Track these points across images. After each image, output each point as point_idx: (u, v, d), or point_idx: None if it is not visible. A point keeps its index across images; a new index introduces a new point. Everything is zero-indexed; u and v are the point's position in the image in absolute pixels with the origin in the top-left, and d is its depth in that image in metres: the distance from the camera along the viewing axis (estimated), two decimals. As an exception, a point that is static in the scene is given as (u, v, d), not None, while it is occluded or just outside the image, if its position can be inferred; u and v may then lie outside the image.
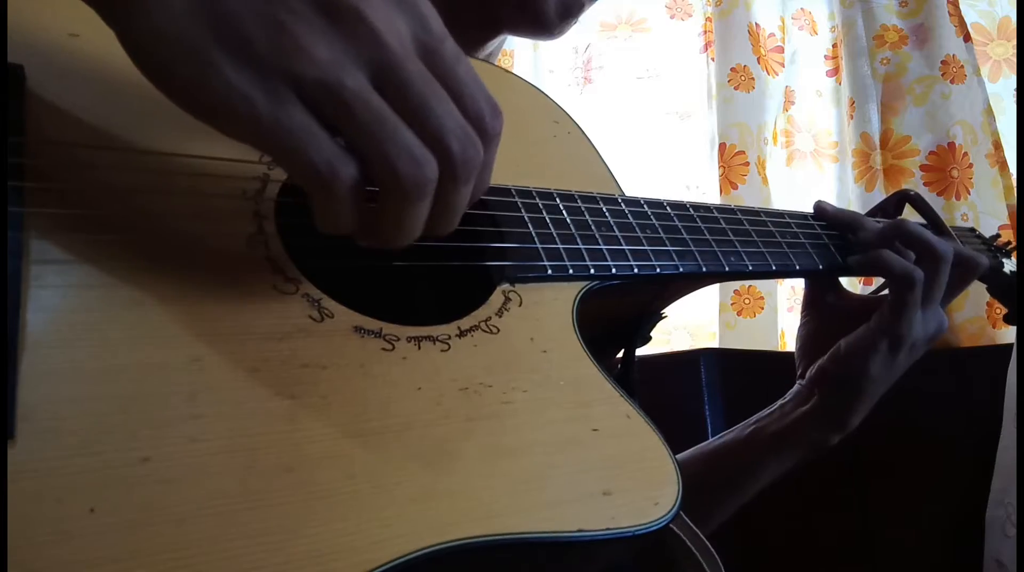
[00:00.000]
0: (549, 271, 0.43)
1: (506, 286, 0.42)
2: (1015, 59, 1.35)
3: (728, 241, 0.53)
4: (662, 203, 0.52)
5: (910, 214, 0.69)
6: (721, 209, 0.56)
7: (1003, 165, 1.26)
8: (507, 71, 0.56)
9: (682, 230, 0.51)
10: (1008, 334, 1.18)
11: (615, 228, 0.48)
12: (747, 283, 1.24)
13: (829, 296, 0.65)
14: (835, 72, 1.39)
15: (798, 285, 1.28)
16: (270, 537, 0.28)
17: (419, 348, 0.37)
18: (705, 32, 1.35)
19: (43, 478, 0.26)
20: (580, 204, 0.48)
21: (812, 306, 0.66)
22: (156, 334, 0.31)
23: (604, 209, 0.49)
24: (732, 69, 1.30)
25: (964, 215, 1.23)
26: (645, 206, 0.51)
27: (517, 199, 0.46)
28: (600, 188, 0.51)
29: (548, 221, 0.46)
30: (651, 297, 0.53)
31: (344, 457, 0.31)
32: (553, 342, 0.41)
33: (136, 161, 0.35)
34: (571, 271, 0.44)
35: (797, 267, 0.56)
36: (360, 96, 0.28)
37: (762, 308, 1.24)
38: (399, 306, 0.38)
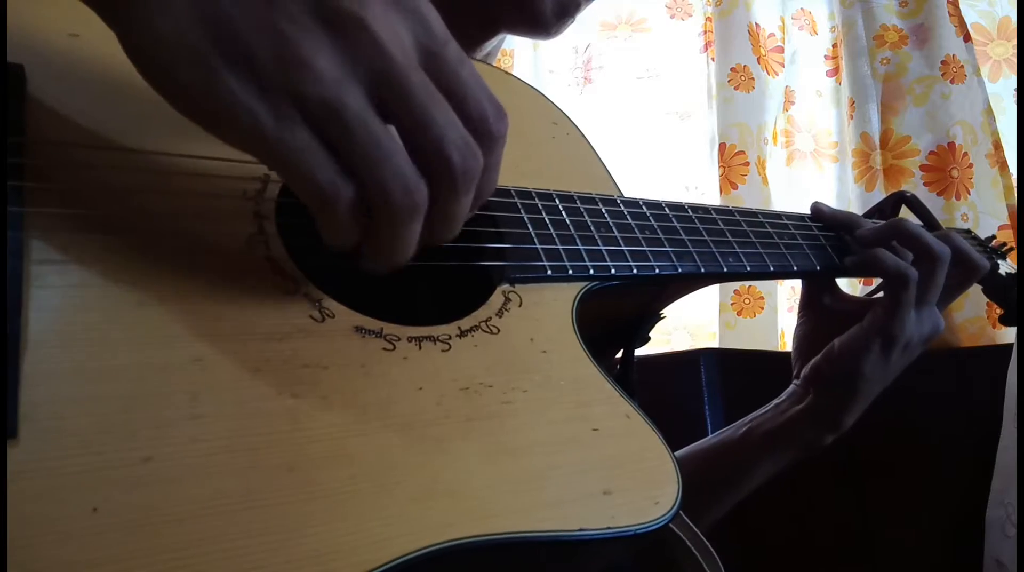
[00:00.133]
0: (548, 272, 0.44)
1: (506, 287, 0.42)
2: (1015, 59, 1.35)
3: (726, 242, 0.53)
4: (660, 204, 0.53)
5: (907, 216, 0.69)
6: (719, 210, 0.56)
7: (1003, 165, 1.26)
8: (506, 72, 0.56)
9: (680, 231, 0.51)
10: (1008, 334, 1.18)
11: (614, 229, 0.48)
12: (747, 283, 1.24)
13: (826, 297, 0.65)
14: (835, 72, 1.39)
15: (798, 285, 1.28)
16: (271, 537, 0.28)
17: (420, 348, 0.37)
18: (705, 32, 1.35)
19: (45, 478, 0.26)
20: (579, 205, 0.48)
21: (809, 307, 0.66)
22: (157, 334, 0.31)
23: (603, 210, 0.49)
24: (732, 69, 1.30)
25: (964, 215, 1.23)
26: (644, 207, 0.51)
27: (516, 200, 0.46)
28: (599, 189, 0.51)
29: (547, 222, 0.46)
30: (650, 298, 0.53)
31: (345, 457, 0.31)
32: (553, 342, 0.41)
33: (136, 161, 0.35)
34: (570, 272, 0.44)
35: (795, 268, 0.57)
36: (359, 118, 0.28)
37: (762, 308, 1.24)
38: (400, 306, 0.38)
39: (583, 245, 0.46)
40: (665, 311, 0.56)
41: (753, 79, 1.30)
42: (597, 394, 0.40)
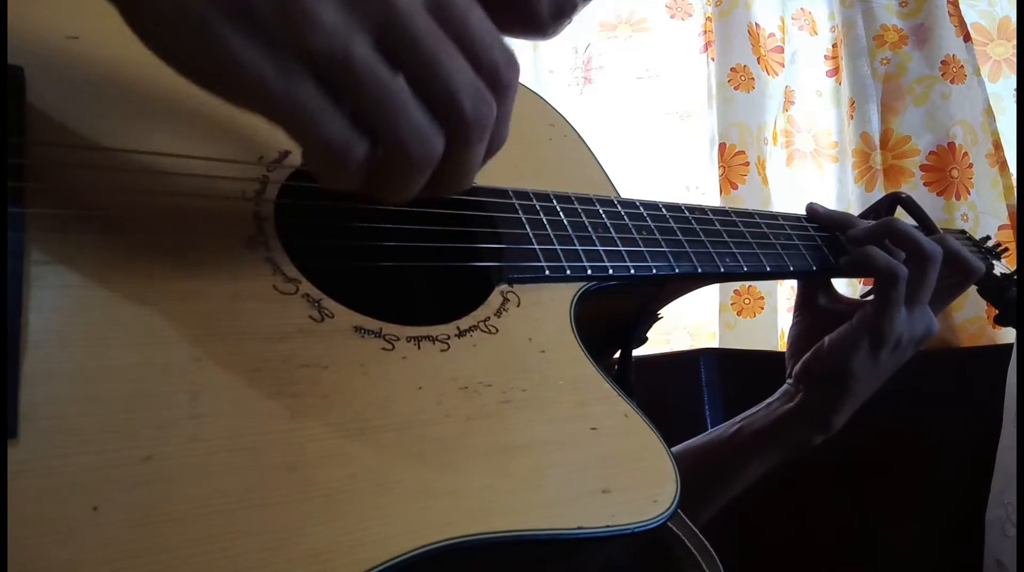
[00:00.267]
0: (546, 272, 0.44)
1: (504, 287, 0.42)
2: (1015, 59, 1.35)
3: (723, 242, 0.53)
4: (658, 205, 0.53)
5: (904, 217, 0.69)
6: (716, 211, 0.56)
7: (1003, 165, 1.26)
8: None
9: (678, 231, 0.52)
10: (1008, 334, 1.18)
11: (611, 229, 0.48)
12: (747, 283, 1.24)
13: (821, 297, 0.65)
14: (835, 72, 1.39)
15: (798, 285, 1.28)
16: (271, 536, 0.28)
17: (419, 348, 0.37)
18: (705, 32, 1.35)
19: (45, 477, 0.26)
20: (577, 206, 0.49)
21: (804, 307, 0.66)
22: (157, 334, 0.31)
23: (600, 211, 0.49)
24: (732, 69, 1.30)
25: (964, 215, 1.23)
26: (641, 208, 0.52)
27: (514, 201, 0.46)
28: (596, 190, 0.51)
29: (545, 222, 0.46)
30: (647, 298, 0.53)
31: (345, 456, 0.31)
32: (551, 342, 0.41)
33: (136, 162, 0.35)
34: (568, 272, 0.44)
35: (791, 268, 0.57)
36: (368, 68, 0.28)
37: (762, 308, 1.24)
38: (399, 306, 0.39)
39: (581, 246, 0.46)
40: (664, 311, 0.57)
41: (753, 79, 1.30)
42: (595, 393, 0.40)
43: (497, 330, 0.40)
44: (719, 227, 0.55)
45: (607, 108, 1.35)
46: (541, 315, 0.42)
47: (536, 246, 0.44)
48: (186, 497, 0.28)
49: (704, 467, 0.65)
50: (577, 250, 0.46)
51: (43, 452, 0.27)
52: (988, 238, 0.76)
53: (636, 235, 0.49)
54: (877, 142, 1.29)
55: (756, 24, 1.33)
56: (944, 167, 1.25)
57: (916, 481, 1.10)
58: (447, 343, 0.38)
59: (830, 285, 0.67)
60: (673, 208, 0.53)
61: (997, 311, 0.73)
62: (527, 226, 0.45)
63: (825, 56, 1.40)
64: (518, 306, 0.42)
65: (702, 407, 1.12)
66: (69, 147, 0.34)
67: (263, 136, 0.39)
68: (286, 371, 0.33)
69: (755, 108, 1.30)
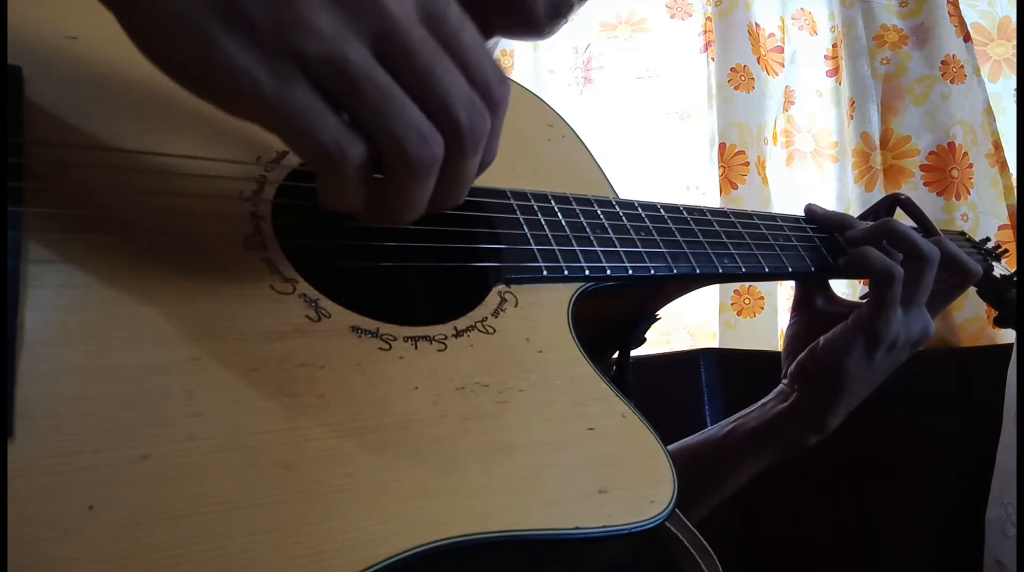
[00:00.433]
0: (544, 272, 0.44)
1: (502, 287, 0.42)
2: (1015, 59, 1.35)
3: (721, 243, 0.53)
4: (656, 206, 0.53)
5: (903, 218, 0.69)
6: (714, 212, 0.56)
7: (1003, 165, 1.26)
8: (501, 74, 0.56)
9: (676, 232, 0.52)
10: (1008, 334, 1.17)
11: (609, 230, 0.48)
12: (747, 283, 1.24)
13: (818, 298, 0.65)
14: (835, 72, 1.39)
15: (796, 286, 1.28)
16: (268, 534, 0.28)
17: (416, 348, 0.37)
18: (705, 32, 1.35)
19: (42, 476, 0.26)
20: (575, 206, 0.49)
21: (801, 308, 0.66)
22: (154, 333, 0.31)
23: (598, 211, 0.49)
24: (732, 69, 1.30)
25: (964, 215, 1.23)
26: (639, 208, 0.52)
27: (512, 201, 0.46)
28: (594, 191, 0.51)
29: (543, 223, 0.46)
30: (645, 298, 0.53)
31: (342, 455, 0.31)
32: (549, 342, 0.41)
33: (134, 162, 0.35)
34: (566, 272, 0.44)
35: (789, 269, 0.57)
36: (365, 72, 0.28)
37: (762, 308, 1.24)
38: (396, 306, 0.39)
39: (578, 246, 0.46)
40: (664, 311, 0.57)
41: (753, 79, 1.30)
42: (593, 394, 0.40)
43: (494, 330, 0.40)
44: (717, 228, 0.55)
45: (607, 108, 1.35)
46: (539, 315, 0.42)
47: (534, 246, 0.44)
48: (183, 496, 0.28)
49: (697, 466, 0.65)
50: (575, 251, 0.46)
51: (39, 451, 0.27)
52: (988, 240, 0.76)
53: (634, 236, 0.49)
54: (877, 142, 1.29)
55: (756, 24, 1.33)
56: (944, 167, 1.25)
57: (916, 481, 1.10)
58: (444, 343, 0.38)
59: (828, 286, 0.67)
60: (671, 209, 0.54)
61: (997, 313, 0.72)
62: (525, 227, 0.45)
63: (825, 56, 1.40)
64: (516, 306, 0.42)
65: (702, 407, 1.12)
66: (67, 147, 0.34)
67: (261, 136, 0.39)
68: (283, 371, 0.33)
69: (755, 108, 1.30)
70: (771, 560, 1.11)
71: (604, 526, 0.34)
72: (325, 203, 0.31)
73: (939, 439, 1.11)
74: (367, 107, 0.28)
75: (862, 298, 0.68)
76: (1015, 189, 1.24)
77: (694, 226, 0.53)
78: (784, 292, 1.30)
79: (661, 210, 0.53)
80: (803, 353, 0.62)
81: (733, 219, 0.57)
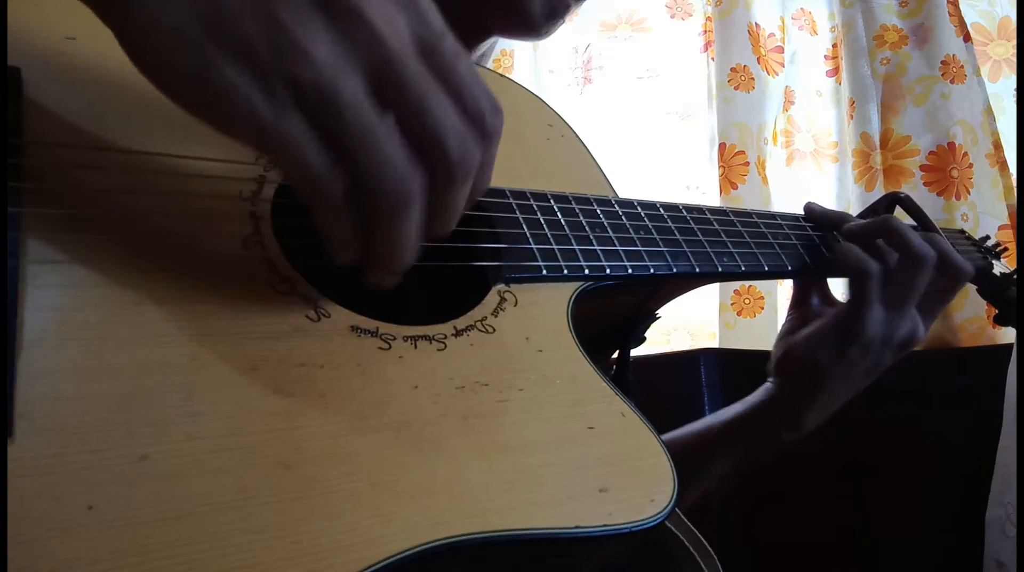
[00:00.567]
0: (544, 271, 0.44)
1: (501, 286, 0.42)
2: (1015, 59, 1.35)
3: (721, 242, 0.53)
4: (655, 205, 0.53)
5: (903, 217, 0.69)
6: (714, 210, 0.56)
7: (1003, 165, 1.26)
8: (500, 74, 0.56)
9: (675, 231, 0.52)
10: (1008, 334, 1.18)
11: (609, 229, 0.48)
12: (747, 283, 1.24)
13: (814, 298, 0.65)
14: (835, 72, 1.39)
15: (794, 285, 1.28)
16: (268, 534, 0.28)
17: (415, 347, 0.37)
18: (705, 32, 1.35)
19: (41, 476, 0.26)
20: (574, 205, 0.49)
21: (798, 307, 0.66)
22: (153, 333, 0.31)
23: (598, 210, 0.49)
24: (732, 69, 1.30)
25: (964, 215, 1.23)
26: (639, 207, 0.52)
27: (512, 201, 0.46)
28: (594, 190, 0.51)
29: (542, 222, 0.46)
30: (645, 297, 0.53)
31: (341, 455, 0.31)
32: (548, 342, 0.41)
33: (133, 162, 0.35)
34: (566, 271, 0.44)
35: (789, 268, 0.57)
36: (352, 105, 0.28)
37: (762, 308, 1.25)
38: (395, 306, 0.39)
39: (578, 245, 0.46)
40: (664, 311, 0.57)
41: (753, 79, 1.30)
42: (592, 392, 0.40)
43: (494, 330, 0.40)
44: (717, 227, 0.55)
45: (607, 108, 1.35)
46: (538, 315, 0.42)
47: (533, 246, 0.44)
48: (182, 496, 0.28)
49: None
50: (574, 250, 0.46)
51: (39, 451, 0.27)
52: (987, 238, 0.76)
53: (633, 235, 0.49)
54: (877, 142, 1.29)
55: (756, 24, 1.33)
56: (944, 167, 1.25)
57: (916, 481, 1.10)
58: (444, 343, 0.38)
59: (826, 285, 0.67)
60: (671, 208, 0.54)
61: (997, 311, 0.72)
62: (524, 226, 0.45)
63: (825, 56, 1.41)
64: (515, 306, 0.42)
65: (702, 407, 1.12)
66: (67, 147, 0.34)
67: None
68: (283, 370, 0.33)
69: (755, 108, 1.30)
70: (771, 560, 1.11)
71: (604, 525, 0.34)
72: (328, 249, 0.31)
73: (939, 439, 1.11)
74: (349, 139, 0.28)
75: None
76: (1015, 189, 1.24)
77: (693, 225, 0.53)
78: (784, 292, 1.30)
79: (660, 209, 0.53)
80: (783, 347, 0.62)
81: (732, 218, 0.57)
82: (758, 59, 1.31)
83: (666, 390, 1.13)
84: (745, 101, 1.29)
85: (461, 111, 0.31)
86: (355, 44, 0.28)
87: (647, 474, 0.38)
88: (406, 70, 0.29)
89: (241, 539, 0.28)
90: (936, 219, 0.69)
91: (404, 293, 0.45)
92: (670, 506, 0.36)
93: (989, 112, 1.27)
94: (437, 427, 0.34)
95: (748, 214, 0.58)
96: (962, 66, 1.27)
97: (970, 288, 0.68)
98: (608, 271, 0.46)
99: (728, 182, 1.27)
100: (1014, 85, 1.35)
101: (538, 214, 0.46)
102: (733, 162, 1.27)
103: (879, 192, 1.26)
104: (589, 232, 0.47)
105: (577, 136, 0.55)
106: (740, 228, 0.56)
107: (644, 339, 0.55)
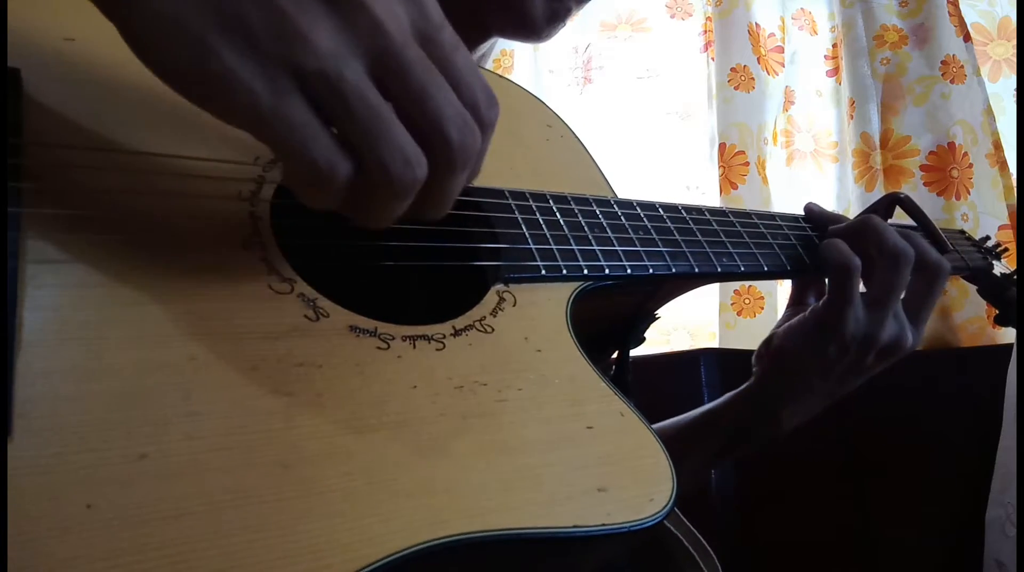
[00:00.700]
0: (543, 271, 0.44)
1: (500, 286, 0.42)
2: (1015, 59, 1.35)
3: (720, 242, 0.53)
4: (654, 205, 0.53)
5: (903, 217, 0.69)
6: (713, 211, 0.56)
7: (1003, 165, 1.26)
8: (499, 75, 0.56)
9: (674, 231, 0.52)
10: (1008, 334, 1.18)
11: (608, 229, 0.48)
12: (747, 283, 1.24)
13: (811, 296, 0.65)
14: (835, 72, 1.39)
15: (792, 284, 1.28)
16: (266, 533, 0.28)
17: (414, 347, 0.37)
18: (705, 32, 1.35)
19: (40, 475, 0.26)
20: (573, 206, 0.49)
21: (795, 305, 0.66)
22: (152, 333, 0.31)
23: (597, 210, 0.49)
24: (732, 69, 1.30)
25: (964, 215, 1.23)
26: (638, 208, 0.52)
27: (511, 201, 0.46)
28: (593, 191, 0.51)
29: (541, 222, 0.46)
30: (644, 298, 0.53)
31: (340, 454, 0.31)
32: (547, 341, 0.41)
33: (132, 163, 0.35)
34: (565, 271, 0.44)
35: (788, 268, 0.57)
36: (358, 91, 0.28)
37: (762, 308, 1.25)
38: (394, 306, 0.39)
39: (577, 245, 0.46)
40: (664, 311, 0.57)
41: (753, 79, 1.30)
42: (591, 392, 0.40)
43: (493, 329, 0.40)
44: (716, 227, 0.55)
45: (607, 108, 1.36)
46: (537, 314, 0.42)
47: (532, 246, 0.44)
48: (181, 494, 0.28)
49: None
50: (573, 250, 0.46)
51: (38, 450, 0.27)
52: (988, 238, 0.76)
53: (633, 235, 0.49)
54: (877, 142, 1.29)
55: (756, 24, 1.33)
56: (944, 167, 1.25)
57: (916, 481, 1.10)
58: (443, 342, 0.38)
59: (823, 285, 0.66)
60: (670, 208, 0.54)
61: (997, 311, 0.72)
62: (523, 226, 0.45)
63: (825, 56, 1.41)
64: (514, 306, 0.42)
65: (702, 407, 1.12)
66: (67, 148, 0.34)
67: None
68: (281, 370, 0.33)
69: (755, 108, 1.30)
70: (771, 560, 1.11)
71: (603, 524, 0.34)
72: (304, 202, 0.31)
73: (939, 439, 1.11)
74: (356, 126, 0.28)
75: None
76: (1015, 189, 1.24)
77: (692, 225, 0.53)
78: (784, 292, 1.30)
79: (659, 210, 0.53)
80: (766, 338, 0.62)
81: (732, 218, 0.57)
82: (758, 59, 1.31)
83: (666, 390, 1.13)
84: (745, 101, 1.29)
85: (460, 100, 0.31)
86: (356, 32, 0.28)
87: (646, 474, 0.38)
88: (407, 58, 0.29)
89: (240, 538, 0.28)
90: (936, 219, 0.69)
91: (403, 293, 0.45)
92: (669, 506, 0.36)
93: (989, 112, 1.27)
94: (436, 427, 0.34)
95: (747, 214, 0.58)
96: (962, 66, 1.27)
97: (970, 288, 0.68)
98: (607, 271, 0.46)
99: (728, 182, 1.27)
100: (1014, 85, 1.35)
101: (537, 214, 0.46)
102: (733, 162, 1.27)
103: (879, 192, 1.26)
104: (588, 232, 0.47)
105: (576, 136, 0.55)
106: (739, 228, 0.56)
107: (644, 339, 0.55)
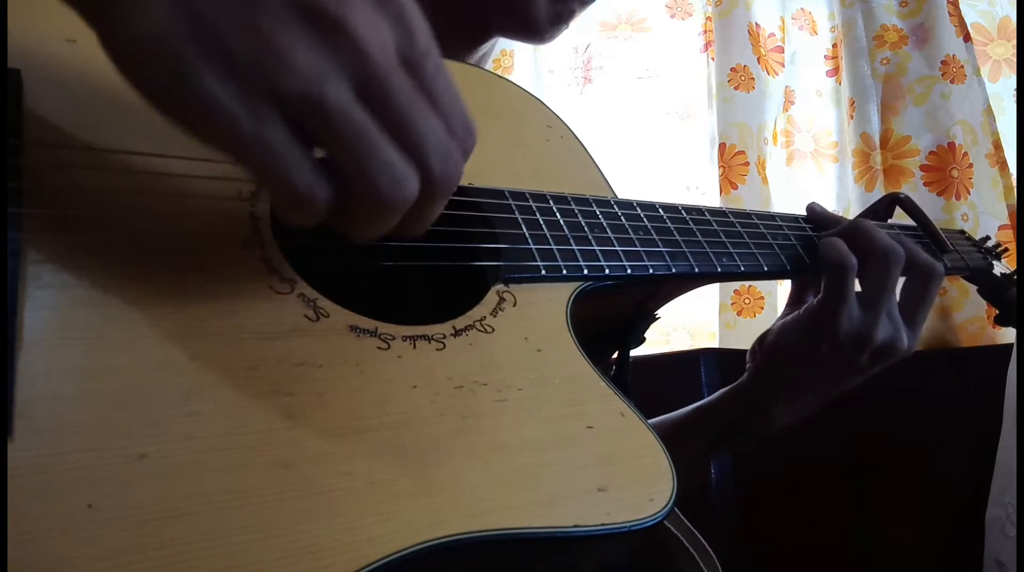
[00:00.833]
0: (543, 271, 0.44)
1: (500, 286, 0.42)
2: (1015, 59, 1.35)
3: (720, 242, 0.53)
4: (654, 205, 0.53)
5: (903, 217, 0.69)
6: (713, 211, 0.56)
7: (1003, 165, 1.26)
8: (499, 76, 0.56)
9: (674, 232, 0.52)
10: (1008, 334, 1.18)
11: (608, 229, 0.49)
12: (747, 283, 1.24)
13: (810, 296, 0.65)
14: (835, 72, 1.39)
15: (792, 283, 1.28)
16: (266, 532, 0.28)
17: (414, 347, 0.37)
18: (705, 32, 1.35)
19: (40, 475, 0.26)
20: (573, 206, 0.49)
21: (794, 304, 0.66)
22: (153, 333, 0.31)
23: (597, 211, 0.49)
24: (732, 69, 1.30)
25: (964, 215, 1.23)
26: (638, 208, 0.52)
27: (511, 201, 0.46)
28: (593, 191, 0.51)
29: (542, 222, 0.46)
30: (644, 298, 0.53)
31: (340, 454, 0.31)
32: (547, 341, 0.41)
33: (133, 163, 0.35)
34: (565, 271, 0.44)
35: (788, 268, 0.57)
36: (341, 110, 0.28)
37: (762, 308, 1.25)
38: (394, 306, 0.39)
39: (577, 245, 0.46)
40: (663, 311, 0.57)
41: (753, 79, 1.30)
42: (591, 392, 0.40)
43: (493, 329, 0.40)
44: (716, 227, 0.55)
45: (607, 108, 1.35)
46: (537, 314, 0.42)
47: (532, 246, 0.45)
48: (181, 495, 0.28)
49: None
50: (573, 250, 0.46)
51: (38, 450, 0.27)
52: (988, 238, 0.76)
53: (633, 235, 0.49)
54: (877, 142, 1.29)
55: (756, 24, 1.33)
56: (944, 167, 1.25)
57: (916, 481, 1.10)
58: (443, 342, 0.38)
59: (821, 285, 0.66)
60: (670, 209, 0.54)
61: (997, 311, 0.72)
62: (523, 226, 0.45)
63: (825, 56, 1.41)
64: (514, 306, 0.42)
65: (702, 407, 1.12)
66: (67, 148, 0.34)
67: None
68: (282, 370, 0.33)
69: (755, 108, 1.30)
70: (771, 560, 1.11)
71: (603, 524, 0.34)
72: (285, 222, 0.31)
73: (939, 439, 1.11)
74: (341, 146, 0.28)
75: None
76: (1015, 189, 1.24)
77: (692, 225, 0.53)
78: (784, 292, 1.30)
79: (659, 210, 0.53)
80: (762, 334, 0.62)
81: (732, 218, 0.57)
82: (758, 59, 1.31)
83: (666, 390, 1.13)
84: (745, 101, 1.29)
85: (442, 128, 0.30)
86: (339, 55, 0.27)
87: (646, 473, 0.38)
88: (391, 83, 0.29)
89: (240, 538, 0.28)
90: (936, 219, 0.69)
91: (403, 293, 0.45)
92: (669, 506, 0.36)
93: (989, 112, 1.27)
94: (436, 426, 0.34)
95: (747, 214, 0.58)
96: (962, 66, 1.27)
97: (970, 288, 0.68)
98: (607, 271, 0.46)
99: (728, 182, 1.27)
100: (1014, 85, 1.35)
101: (537, 215, 0.47)
102: (733, 162, 1.27)
103: (879, 192, 1.26)
104: (588, 232, 0.48)
105: (576, 137, 0.55)
106: (739, 228, 0.56)
107: (644, 339, 0.55)
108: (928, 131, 1.26)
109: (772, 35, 1.37)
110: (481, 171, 0.47)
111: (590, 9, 0.62)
